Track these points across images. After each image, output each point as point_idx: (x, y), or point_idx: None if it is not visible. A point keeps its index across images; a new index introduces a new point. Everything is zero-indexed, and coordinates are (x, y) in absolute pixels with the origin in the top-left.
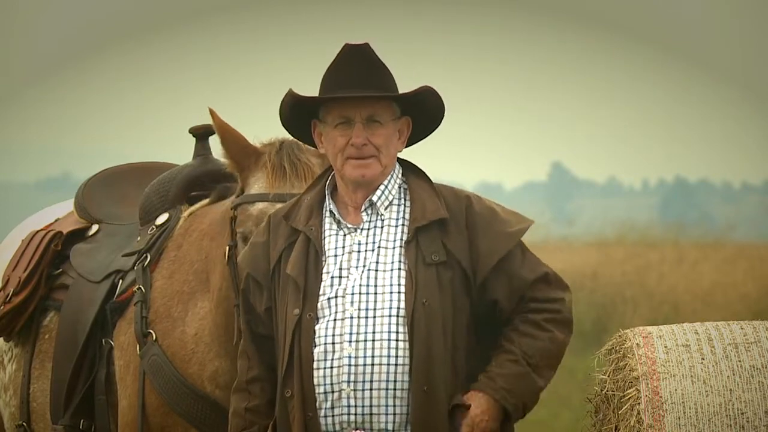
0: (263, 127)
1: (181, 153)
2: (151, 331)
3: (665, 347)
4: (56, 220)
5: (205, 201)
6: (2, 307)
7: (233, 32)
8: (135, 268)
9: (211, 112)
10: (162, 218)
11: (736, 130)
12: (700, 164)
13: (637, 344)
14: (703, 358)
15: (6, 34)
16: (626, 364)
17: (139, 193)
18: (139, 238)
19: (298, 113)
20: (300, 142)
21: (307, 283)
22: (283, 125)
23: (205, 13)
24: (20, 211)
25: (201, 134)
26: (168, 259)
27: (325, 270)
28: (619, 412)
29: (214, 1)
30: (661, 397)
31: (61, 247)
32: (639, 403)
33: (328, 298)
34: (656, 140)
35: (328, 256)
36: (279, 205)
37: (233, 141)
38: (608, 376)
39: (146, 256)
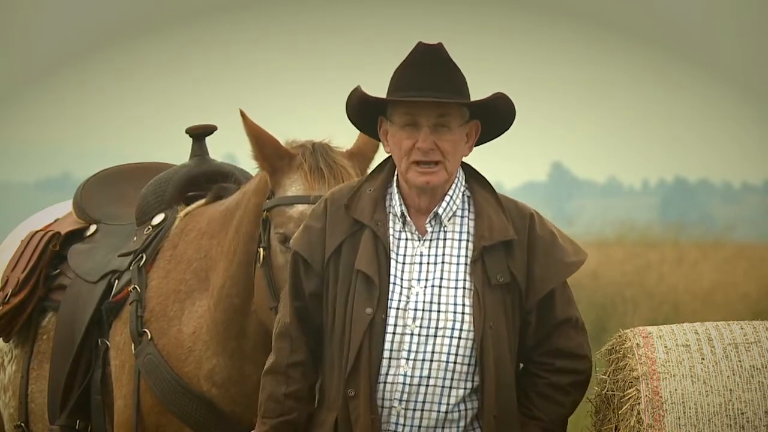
0: (264, 127)
1: (180, 153)
2: (146, 330)
3: (665, 347)
4: (56, 221)
5: (202, 201)
6: (1, 308)
7: (233, 32)
8: (131, 268)
9: (242, 114)
10: (158, 218)
11: (736, 130)
12: (700, 164)
13: (637, 344)
14: (703, 358)
15: (6, 34)
16: (626, 364)
17: (137, 194)
18: (135, 238)
19: (365, 109)
20: (330, 144)
21: (381, 283)
22: (349, 118)
23: (205, 13)
24: (20, 211)
25: (198, 134)
26: (164, 259)
27: (391, 273)
28: (619, 412)
29: (214, 1)
30: (661, 397)
31: (59, 247)
32: (639, 403)
33: (394, 308)
34: (656, 140)
35: (392, 260)
36: None
37: (266, 143)
38: (608, 376)
39: (142, 256)
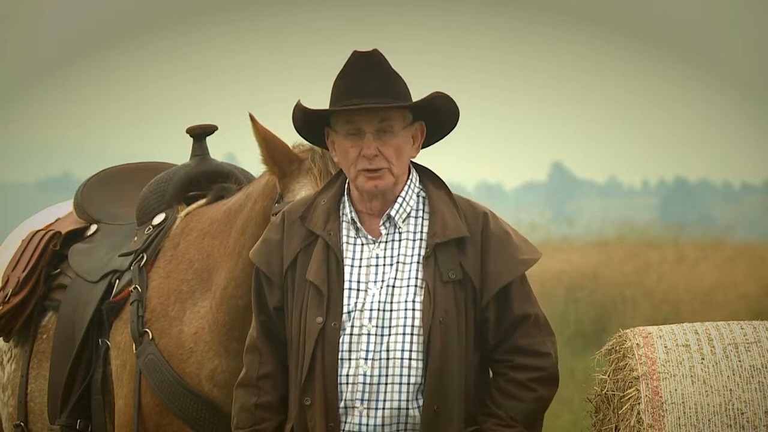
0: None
1: (181, 153)
2: (147, 330)
3: (665, 347)
4: (57, 220)
5: (203, 201)
6: (1, 307)
7: (234, 32)
8: (131, 268)
9: (252, 118)
10: (159, 218)
11: (736, 130)
12: (700, 164)
13: (637, 344)
14: (703, 358)
15: (6, 34)
16: (626, 364)
17: (138, 193)
18: (136, 238)
19: (310, 121)
20: None
21: (330, 291)
22: (297, 132)
23: (205, 13)
24: (20, 211)
25: (198, 134)
26: (165, 259)
27: (345, 279)
28: (619, 412)
29: (215, 1)
30: (661, 397)
31: (59, 247)
32: (639, 403)
33: (348, 312)
34: (656, 140)
35: (346, 266)
36: None
37: (276, 147)
38: (608, 376)
39: (143, 256)
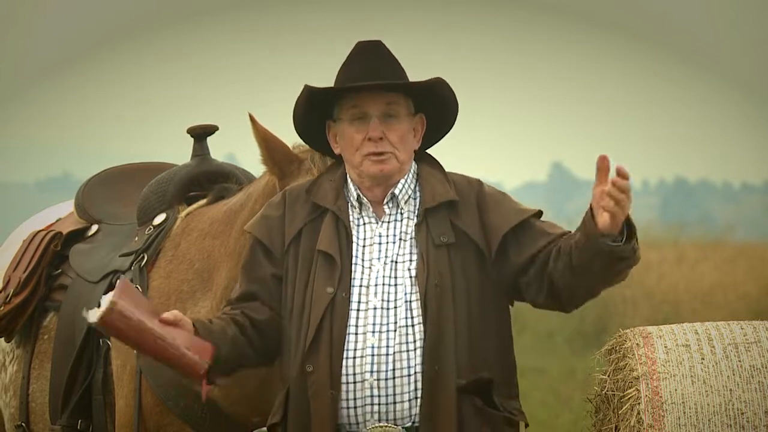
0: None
1: (181, 153)
2: None
3: (665, 347)
4: (58, 220)
5: (203, 201)
6: (2, 308)
7: (234, 32)
8: (132, 268)
9: (252, 119)
10: (159, 218)
11: (736, 130)
12: (700, 164)
13: (637, 344)
14: (703, 358)
15: (6, 34)
16: (626, 364)
17: (138, 194)
18: (136, 238)
19: (311, 115)
20: None
21: (342, 262)
22: (296, 129)
23: (205, 13)
24: (20, 211)
25: (199, 134)
26: (165, 259)
27: (353, 254)
28: (619, 412)
29: (215, 1)
30: (661, 397)
31: (60, 247)
32: (639, 403)
33: (357, 286)
34: (656, 140)
35: (353, 243)
36: None
37: (276, 148)
38: (608, 376)
39: (143, 256)
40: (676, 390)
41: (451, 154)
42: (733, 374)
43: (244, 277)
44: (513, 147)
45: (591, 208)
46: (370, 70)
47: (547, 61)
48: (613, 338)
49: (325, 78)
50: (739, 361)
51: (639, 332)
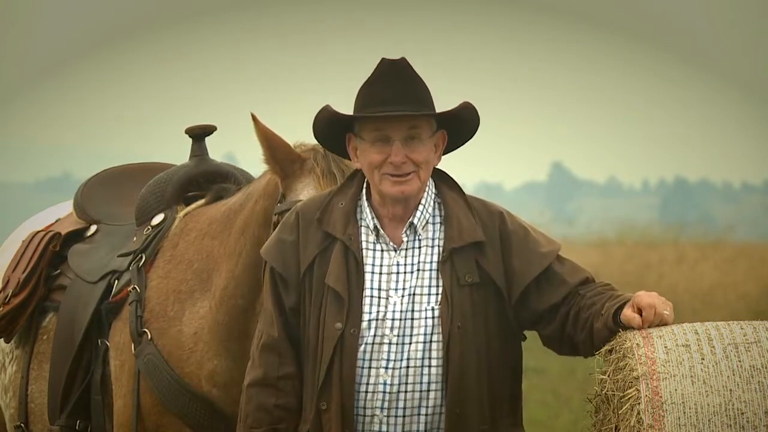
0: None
1: (180, 153)
2: (146, 330)
3: (665, 347)
4: (57, 221)
5: (202, 201)
6: (1, 309)
7: (234, 32)
8: (130, 268)
9: (254, 118)
10: (158, 218)
11: (736, 130)
12: (700, 164)
13: (637, 344)
14: (703, 358)
15: (6, 33)
16: (626, 364)
17: (137, 194)
18: (135, 239)
19: (332, 126)
20: None
21: (350, 297)
22: (316, 137)
23: (205, 13)
24: (20, 211)
25: (197, 135)
26: (164, 259)
27: (365, 286)
28: (619, 412)
29: (215, 1)
30: (661, 397)
31: (59, 247)
32: (639, 403)
33: (369, 320)
34: (656, 140)
35: (366, 272)
36: None
37: (278, 147)
38: (608, 376)
39: (141, 257)
40: (676, 390)
41: (451, 154)
42: (733, 374)
43: (275, 307)
44: (513, 147)
45: (620, 307)
46: (395, 95)
47: (547, 61)
48: (613, 338)
49: (325, 78)
50: (739, 361)
51: (639, 332)
